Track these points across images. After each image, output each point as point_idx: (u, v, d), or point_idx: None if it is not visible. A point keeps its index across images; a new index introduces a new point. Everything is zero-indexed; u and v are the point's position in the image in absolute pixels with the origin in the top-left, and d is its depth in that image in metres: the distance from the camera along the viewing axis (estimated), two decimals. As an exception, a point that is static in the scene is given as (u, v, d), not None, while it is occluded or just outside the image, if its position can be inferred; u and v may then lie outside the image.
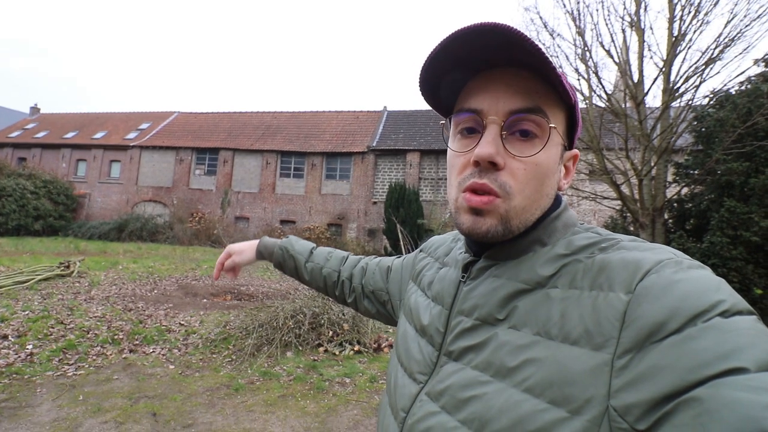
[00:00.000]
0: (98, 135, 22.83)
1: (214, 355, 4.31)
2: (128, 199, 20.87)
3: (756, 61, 7.38)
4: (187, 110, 24.81)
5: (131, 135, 22.48)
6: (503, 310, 0.47)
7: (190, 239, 17.78)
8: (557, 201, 0.52)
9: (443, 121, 0.55)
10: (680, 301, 0.35)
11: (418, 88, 0.53)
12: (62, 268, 7.99)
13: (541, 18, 7.68)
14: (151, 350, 4.37)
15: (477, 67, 0.49)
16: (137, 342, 4.56)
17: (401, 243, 8.20)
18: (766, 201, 6.52)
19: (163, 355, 4.27)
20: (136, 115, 24.90)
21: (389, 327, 5.65)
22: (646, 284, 0.38)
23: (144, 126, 23.27)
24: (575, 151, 0.54)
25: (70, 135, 23.22)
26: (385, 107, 21.58)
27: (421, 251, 0.75)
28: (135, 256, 12.19)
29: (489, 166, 0.46)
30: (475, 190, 0.47)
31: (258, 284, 8.44)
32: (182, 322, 5.37)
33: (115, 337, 4.63)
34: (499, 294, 0.48)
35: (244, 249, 1.00)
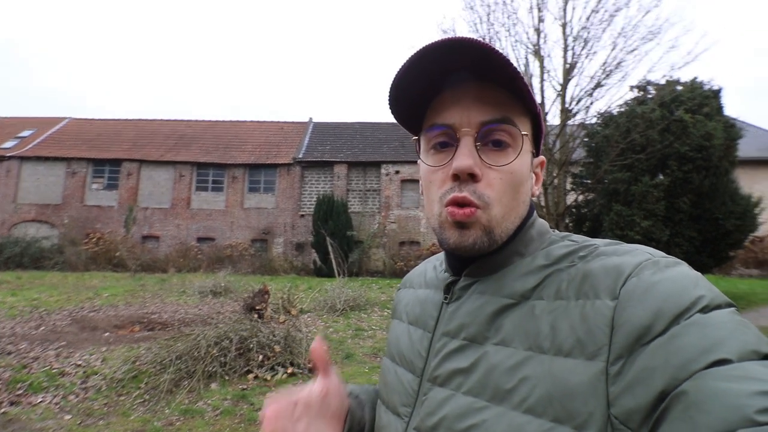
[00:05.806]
0: (-39, 144, 19.08)
1: (122, 397, 3.77)
2: (4, 220, 17.61)
3: (631, 87, 8.78)
4: (80, 116, 21.90)
5: (8, 144, 19.09)
6: (491, 327, 0.45)
7: (86, 264, 15.49)
8: (530, 209, 0.53)
9: (415, 138, 0.55)
10: (662, 301, 0.36)
11: (388, 106, 0.51)
12: None
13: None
14: (40, 400, 3.68)
15: (445, 82, 0.49)
16: (20, 392, 3.81)
17: (331, 255, 8.05)
18: (644, 205, 7.70)
19: (56, 403, 3.62)
20: (15, 120, 21.27)
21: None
22: (628, 288, 0.38)
23: (26, 133, 19.94)
24: (542, 157, 0.54)
25: None
26: (310, 118, 21.29)
27: (399, 290, 0.71)
28: (14, 288, 10.27)
29: (468, 178, 0.46)
30: (457, 203, 0.46)
31: (173, 310, 7.62)
32: (79, 362, 4.62)
33: (-12, 389, 3.82)
34: (485, 311, 0.47)
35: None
